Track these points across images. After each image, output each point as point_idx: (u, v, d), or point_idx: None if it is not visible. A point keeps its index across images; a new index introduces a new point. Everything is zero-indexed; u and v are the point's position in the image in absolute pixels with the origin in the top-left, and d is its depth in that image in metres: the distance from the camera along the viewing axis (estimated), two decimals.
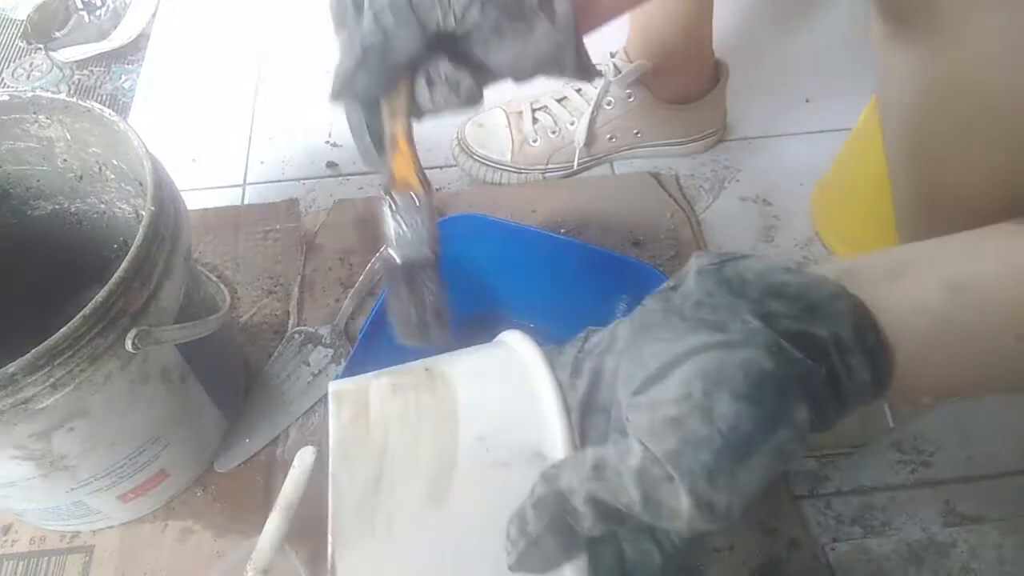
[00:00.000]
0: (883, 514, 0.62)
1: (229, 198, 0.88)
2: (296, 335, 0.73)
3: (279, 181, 0.90)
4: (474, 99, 0.41)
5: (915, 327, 0.31)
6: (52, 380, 0.44)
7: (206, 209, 0.84)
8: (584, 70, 0.43)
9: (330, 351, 0.72)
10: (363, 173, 0.90)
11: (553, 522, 0.29)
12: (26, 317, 0.64)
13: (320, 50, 1.00)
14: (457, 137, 0.87)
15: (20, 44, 1.06)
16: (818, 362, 0.28)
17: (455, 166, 0.88)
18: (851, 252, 0.78)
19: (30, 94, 0.56)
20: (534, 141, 0.85)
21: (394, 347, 0.45)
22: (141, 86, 1.03)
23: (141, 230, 0.48)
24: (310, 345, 0.72)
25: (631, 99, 0.84)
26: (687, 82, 0.85)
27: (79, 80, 1.04)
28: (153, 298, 0.49)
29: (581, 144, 0.85)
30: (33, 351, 0.43)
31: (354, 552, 0.31)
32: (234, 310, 0.75)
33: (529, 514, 0.29)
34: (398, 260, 0.42)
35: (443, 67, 0.40)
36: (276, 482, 0.63)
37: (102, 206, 0.63)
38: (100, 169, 0.59)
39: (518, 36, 0.39)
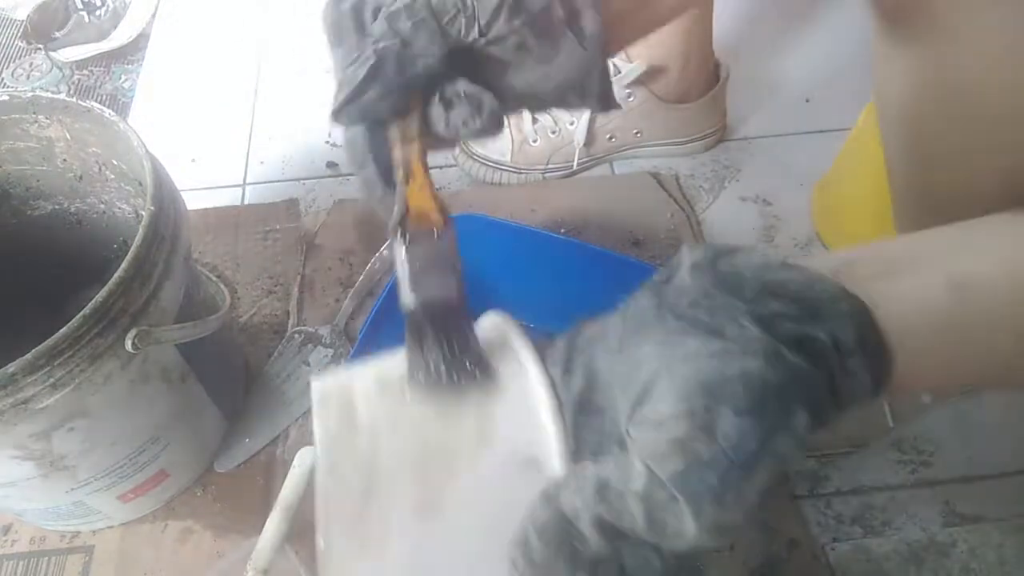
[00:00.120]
0: (883, 514, 0.62)
1: (229, 198, 0.88)
2: (296, 335, 0.73)
3: (279, 181, 0.90)
4: (496, 123, 0.36)
5: (916, 327, 0.30)
6: (52, 380, 0.44)
7: (206, 209, 0.84)
8: (606, 99, 0.39)
9: (330, 351, 0.72)
10: None
11: (559, 548, 0.28)
12: (26, 317, 0.64)
13: (320, 50, 1.00)
14: None
15: (20, 44, 1.06)
16: (818, 366, 0.28)
17: (455, 166, 0.88)
18: None
19: (30, 94, 0.56)
20: (534, 141, 0.85)
21: (394, 347, 0.44)
22: (141, 86, 1.03)
23: (141, 230, 0.48)
24: (310, 345, 0.72)
25: (631, 99, 0.84)
26: (687, 82, 0.84)
27: (79, 80, 1.04)
28: (153, 298, 0.49)
29: (581, 144, 0.85)
30: (33, 351, 0.43)
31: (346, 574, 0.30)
32: (234, 310, 0.75)
33: (533, 541, 0.29)
34: (417, 304, 0.35)
35: (462, 85, 0.35)
36: (276, 482, 0.63)
37: (102, 206, 0.63)
38: (100, 169, 0.59)
39: (543, 56, 0.36)
